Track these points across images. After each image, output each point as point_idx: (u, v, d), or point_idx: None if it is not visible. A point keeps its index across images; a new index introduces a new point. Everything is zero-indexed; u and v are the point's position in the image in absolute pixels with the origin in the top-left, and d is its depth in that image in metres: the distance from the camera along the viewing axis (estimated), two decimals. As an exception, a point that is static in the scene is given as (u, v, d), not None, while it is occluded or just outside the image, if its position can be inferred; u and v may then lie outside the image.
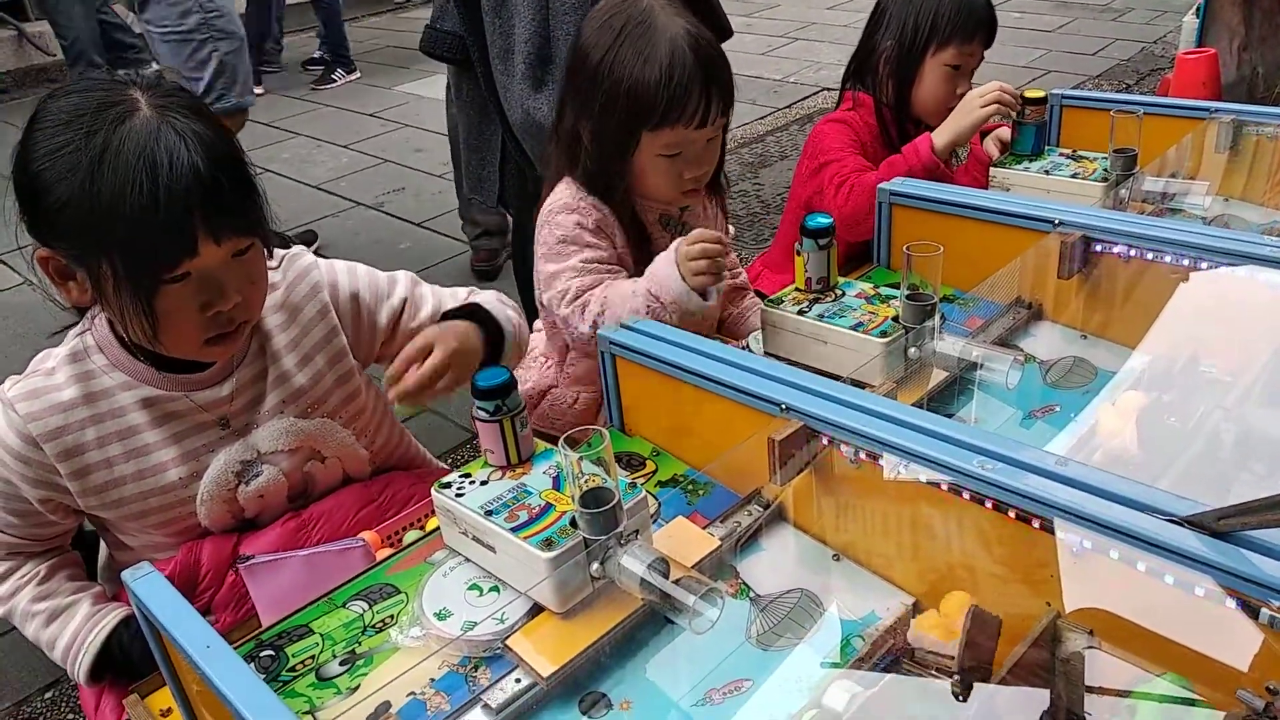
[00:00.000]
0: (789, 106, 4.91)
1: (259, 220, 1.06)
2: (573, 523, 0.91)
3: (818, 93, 5.06)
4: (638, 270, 1.43)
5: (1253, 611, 0.71)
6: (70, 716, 1.85)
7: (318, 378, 1.24)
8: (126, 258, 0.97)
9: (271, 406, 1.20)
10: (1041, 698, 0.81)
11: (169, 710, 1.03)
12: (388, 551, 1.16)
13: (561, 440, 0.87)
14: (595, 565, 0.90)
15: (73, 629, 1.15)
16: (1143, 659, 0.77)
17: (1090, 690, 0.80)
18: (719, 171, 1.52)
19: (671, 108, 1.32)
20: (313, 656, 0.93)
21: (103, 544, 1.31)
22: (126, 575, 0.85)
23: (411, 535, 1.20)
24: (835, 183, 1.79)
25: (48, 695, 1.89)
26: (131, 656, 1.14)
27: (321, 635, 0.96)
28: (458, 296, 1.34)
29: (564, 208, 1.44)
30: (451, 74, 2.37)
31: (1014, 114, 1.70)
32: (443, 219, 3.92)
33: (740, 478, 1.09)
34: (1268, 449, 1.08)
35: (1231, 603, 0.72)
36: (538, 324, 1.63)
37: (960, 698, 0.83)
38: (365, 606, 0.99)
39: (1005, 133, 1.79)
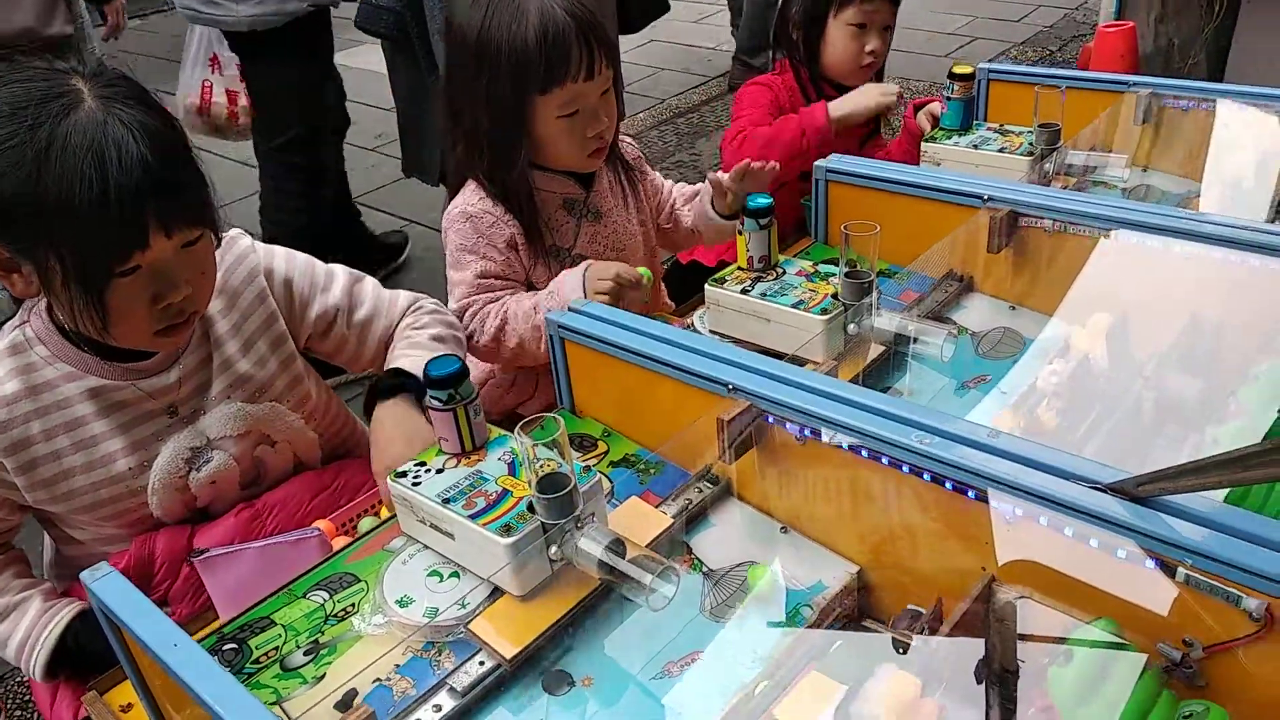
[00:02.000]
0: (722, 75, 4.92)
1: (208, 210, 1.05)
2: (530, 507, 0.94)
3: (751, 60, 5.06)
4: (540, 261, 1.46)
5: (1170, 571, 0.76)
6: (18, 714, 1.83)
7: (262, 362, 1.23)
8: (76, 252, 0.96)
9: (218, 392, 1.20)
10: (978, 648, 0.86)
11: (129, 706, 1.03)
12: (343, 540, 1.17)
13: (518, 428, 0.89)
14: (554, 549, 0.93)
15: (26, 625, 1.14)
16: (1073, 609, 0.82)
17: (1024, 638, 0.86)
18: (616, 135, 1.51)
19: (555, 64, 1.32)
20: (276, 648, 0.95)
21: (48, 539, 1.30)
22: (85, 576, 0.85)
23: (367, 523, 1.21)
24: (732, 136, 1.87)
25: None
26: (88, 651, 1.14)
27: (284, 626, 0.97)
28: (394, 310, 1.33)
29: (462, 215, 1.44)
30: (387, 50, 2.31)
31: (945, 90, 1.74)
32: (377, 194, 3.87)
33: (690, 456, 1.13)
34: (1183, 414, 1.14)
35: (1151, 563, 0.77)
36: None
37: (901, 650, 0.87)
38: (326, 596, 1.00)
39: (936, 107, 1.84)
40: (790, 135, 1.81)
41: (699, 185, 1.64)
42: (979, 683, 0.80)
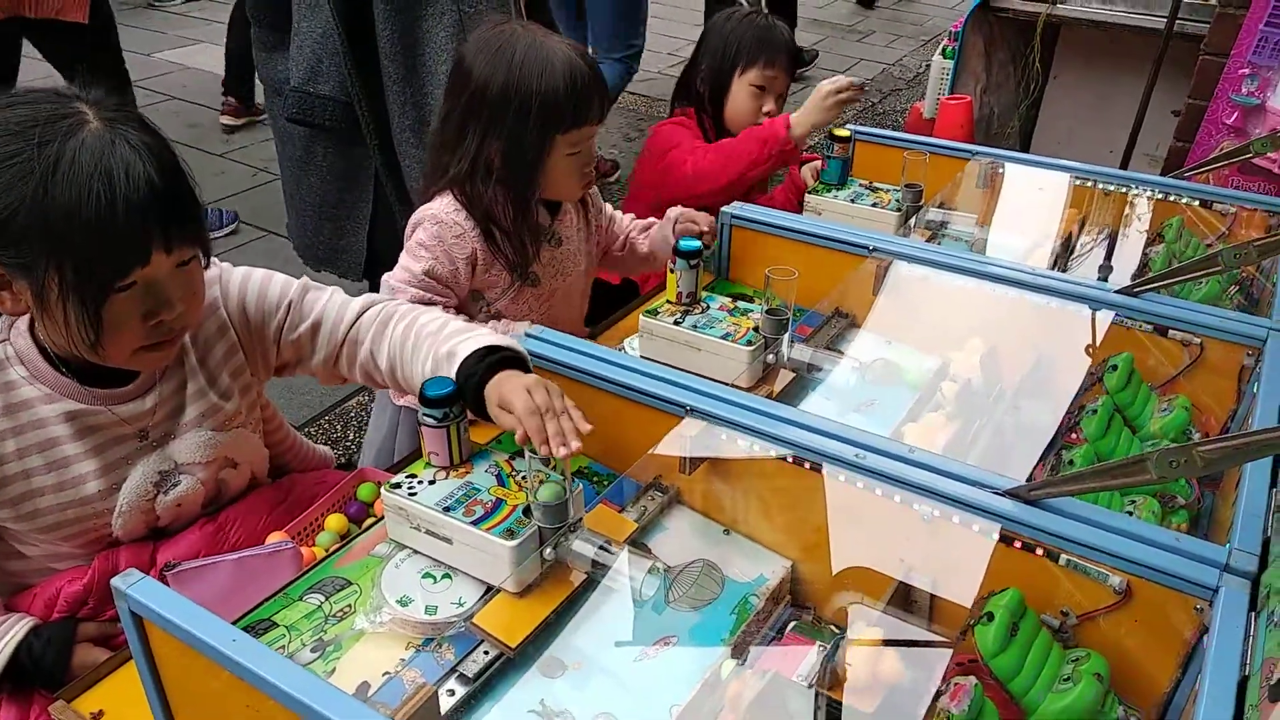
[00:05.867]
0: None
1: (203, 231, 1.10)
2: (526, 512, 1.06)
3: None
4: (497, 274, 1.59)
5: (1054, 557, 0.99)
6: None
7: (227, 394, 1.27)
8: (79, 266, 0.99)
9: (191, 419, 1.23)
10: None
11: (100, 713, 1.06)
12: (309, 552, 1.24)
13: (525, 447, 1.01)
14: (548, 550, 1.05)
15: None
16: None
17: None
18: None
19: (580, 109, 1.49)
20: (283, 646, 1.02)
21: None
22: (118, 582, 0.89)
23: (324, 536, 1.29)
24: (690, 151, 2.04)
25: None
26: (42, 664, 1.15)
27: (286, 627, 1.04)
28: (345, 312, 1.31)
29: (433, 218, 1.55)
30: (300, 137, 2.07)
31: (825, 150, 1.99)
32: (228, 201, 3.77)
33: (639, 468, 1.27)
34: (1034, 433, 1.40)
35: (1040, 551, 0.99)
36: None
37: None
38: (322, 598, 1.08)
39: (818, 164, 2.09)
40: (751, 147, 1.99)
41: (650, 219, 1.83)
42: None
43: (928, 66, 4.50)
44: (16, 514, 1.14)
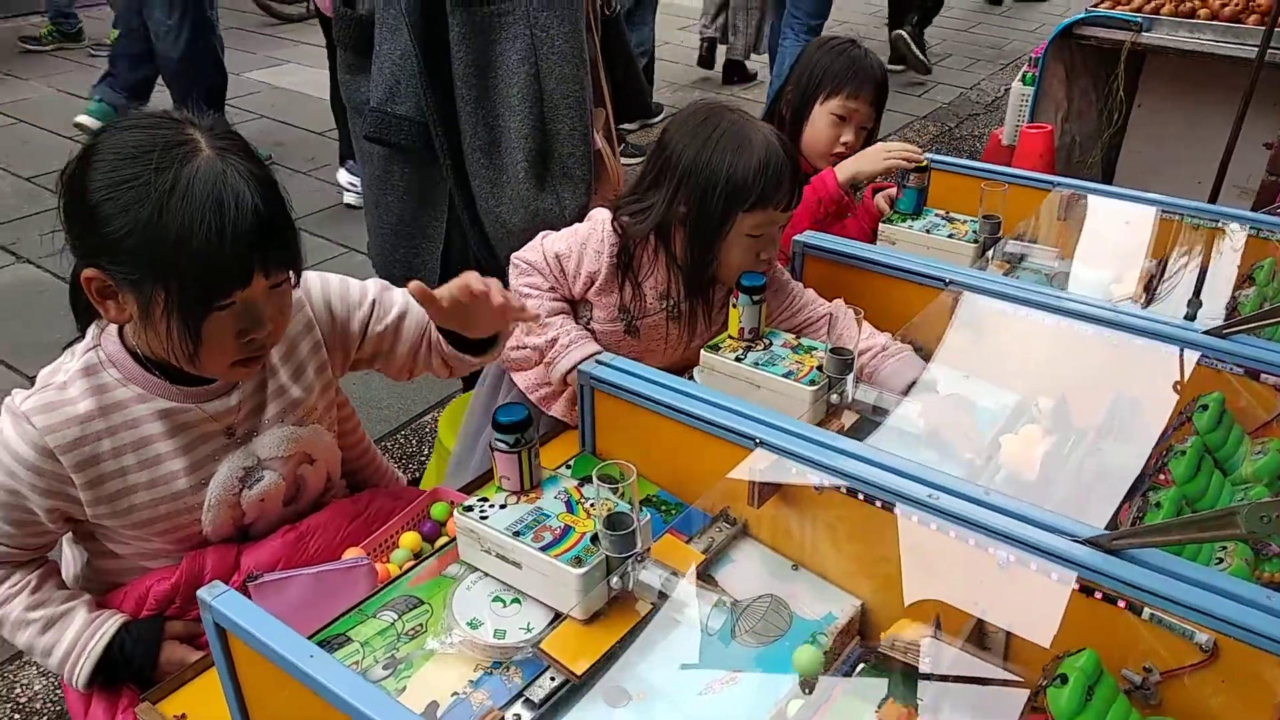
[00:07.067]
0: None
1: (298, 256, 1.14)
2: (594, 540, 1.07)
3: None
4: (603, 304, 1.61)
5: (1136, 610, 0.96)
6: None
7: (309, 388, 1.32)
8: (185, 286, 1.05)
9: (272, 416, 1.28)
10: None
11: (183, 716, 1.10)
12: (384, 569, 1.27)
13: (595, 474, 1.02)
14: (615, 579, 1.06)
15: (71, 635, 1.19)
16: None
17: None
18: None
19: (768, 190, 1.48)
20: (357, 662, 1.04)
21: (72, 553, 1.34)
22: (204, 594, 0.93)
23: (398, 554, 1.32)
24: None
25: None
26: (132, 661, 1.20)
27: (360, 643, 1.06)
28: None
29: (580, 230, 1.61)
30: (379, 155, 2.10)
31: (901, 179, 1.97)
32: (315, 218, 3.89)
33: (707, 498, 1.27)
34: (1115, 477, 1.36)
35: (1121, 603, 0.96)
36: None
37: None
38: (395, 616, 1.10)
39: (892, 192, 2.07)
40: (807, 207, 1.97)
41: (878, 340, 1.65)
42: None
43: (1006, 91, 4.44)
44: (113, 510, 1.19)
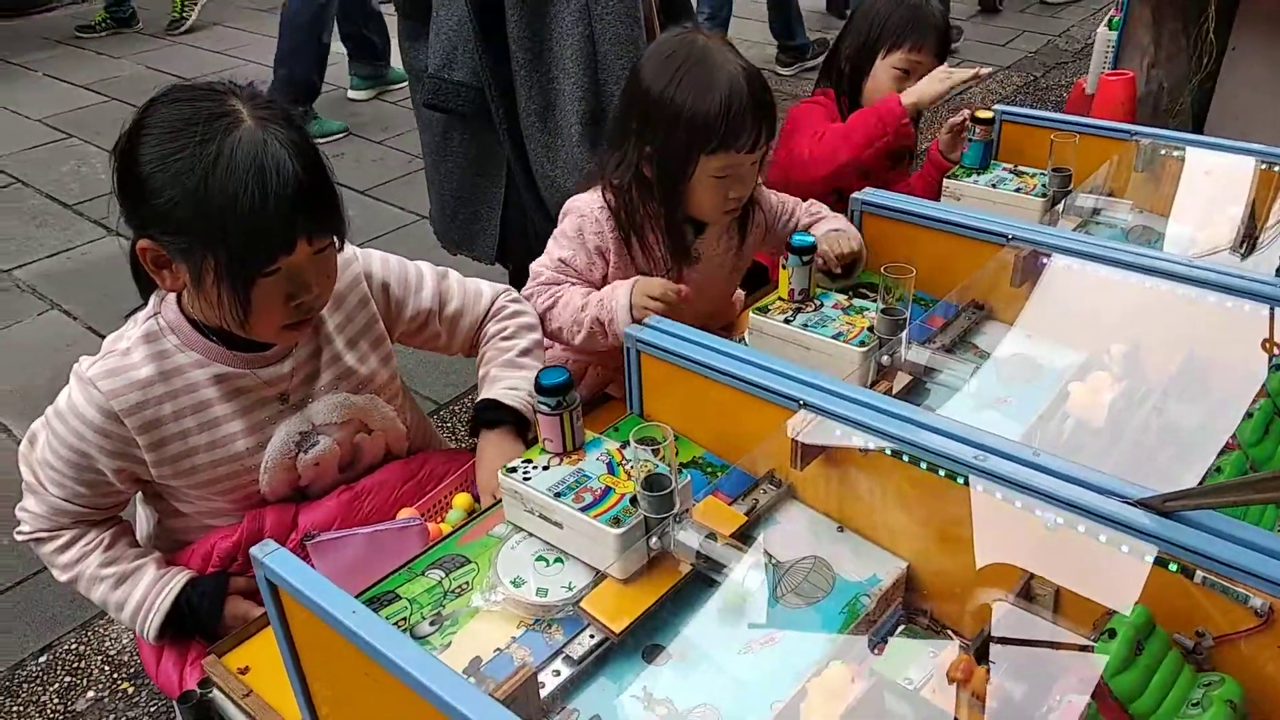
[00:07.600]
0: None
1: (340, 221, 1.18)
2: (633, 501, 1.07)
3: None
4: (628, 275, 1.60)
5: (1189, 574, 0.92)
6: (66, 679, 1.93)
7: (364, 359, 1.36)
8: (232, 253, 1.09)
9: (326, 383, 1.33)
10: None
11: (246, 669, 1.15)
12: (436, 528, 1.30)
13: (633, 437, 1.03)
14: (654, 539, 1.06)
15: (141, 591, 1.26)
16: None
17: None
18: (752, 195, 1.65)
19: (728, 134, 1.45)
20: (404, 619, 1.07)
21: (144, 513, 1.41)
22: (255, 552, 0.96)
23: (454, 514, 1.35)
24: (809, 134, 2.00)
25: (41, 660, 1.95)
26: (197, 614, 1.26)
27: (409, 600, 1.10)
28: (479, 305, 1.48)
29: (576, 210, 1.59)
30: (438, 123, 2.13)
31: (967, 132, 1.90)
32: (386, 188, 3.96)
33: (751, 460, 1.27)
34: (1181, 437, 1.31)
35: (1173, 566, 0.93)
36: None
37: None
38: (442, 574, 1.13)
39: (959, 122, 1.99)
40: (866, 124, 1.93)
41: (819, 208, 1.78)
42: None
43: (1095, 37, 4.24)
44: (176, 470, 1.25)
